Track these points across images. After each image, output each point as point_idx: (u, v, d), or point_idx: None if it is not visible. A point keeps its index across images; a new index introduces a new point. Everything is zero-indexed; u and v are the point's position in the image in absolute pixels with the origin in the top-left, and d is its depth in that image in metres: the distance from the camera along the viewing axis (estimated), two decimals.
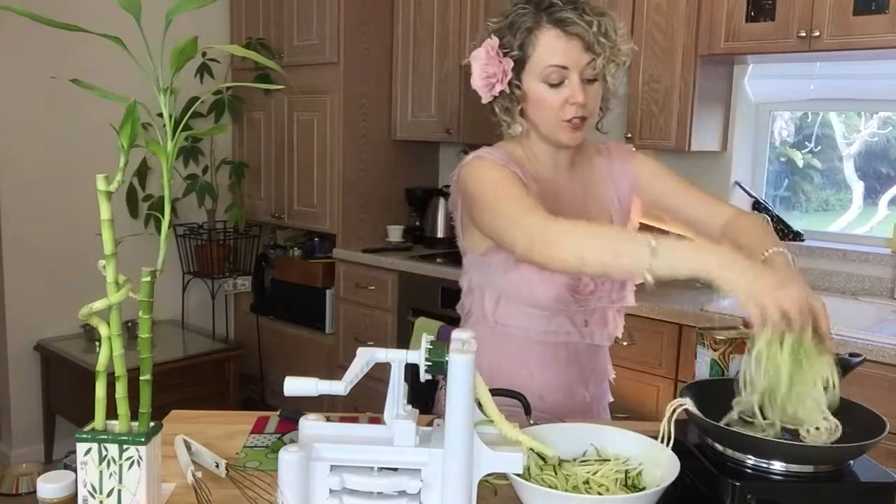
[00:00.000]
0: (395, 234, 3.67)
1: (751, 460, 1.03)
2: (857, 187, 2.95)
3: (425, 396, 1.60)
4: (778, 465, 1.02)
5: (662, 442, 1.07)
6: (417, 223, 3.74)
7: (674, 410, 1.10)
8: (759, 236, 1.29)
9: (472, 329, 1.04)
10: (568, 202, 1.45)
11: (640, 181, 1.48)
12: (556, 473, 1.04)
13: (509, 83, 1.36)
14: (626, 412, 2.21)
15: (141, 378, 0.96)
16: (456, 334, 0.98)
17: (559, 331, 1.43)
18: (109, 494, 0.94)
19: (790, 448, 1.04)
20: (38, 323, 3.41)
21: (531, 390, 1.40)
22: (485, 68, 1.35)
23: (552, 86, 1.32)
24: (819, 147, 3.00)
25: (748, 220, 1.39)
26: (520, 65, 1.34)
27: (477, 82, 1.37)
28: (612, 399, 1.60)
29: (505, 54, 1.34)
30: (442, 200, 3.62)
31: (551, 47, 1.31)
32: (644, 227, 1.54)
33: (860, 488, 1.03)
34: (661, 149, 2.83)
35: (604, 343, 1.50)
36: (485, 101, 1.40)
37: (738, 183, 2.97)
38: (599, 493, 1.01)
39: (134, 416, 0.96)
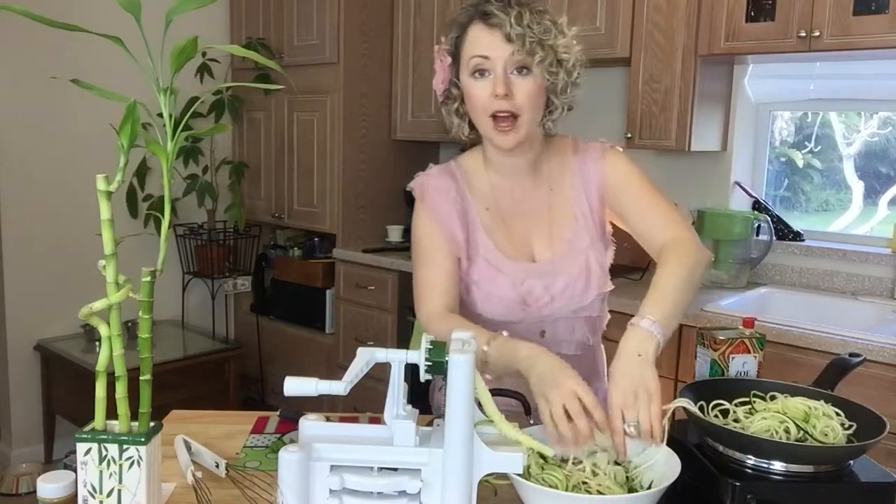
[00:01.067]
0: (395, 234, 3.67)
1: (751, 460, 1.03)
2: (857, 187, 2.94)
3: (424, 396, 1.60)
4: (778, 465, 1.02)
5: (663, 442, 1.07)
6: None
7: (673, 411, 1.10)
8: (656, 292, 1.28)
9: None
10: (528, 207, 1.44)
11: (607, 181, 1.43)
12: (558, 473, 1.04)
13: (449, 82, 1.39)
14: None
15: (141, 378, 0.96)
16: (456, 334, 0.98)
17: None
18: (109, 494, 0.94)
19: (790, 448, 1.04)
20: (38, 323, 3.41)
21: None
22: (436, 70, 1.40)
23: (478, 78, 1.33)
24: (819, 147, 3.00)
25: (673, 254, 1.33)
26: (455, 62, 1.37)
27: (433, 85, 1.43)
28: None
29: (447, 53, 1.38)
30: None
31: (476, 39, 1.33)
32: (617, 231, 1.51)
33: (860, 488, 1.03)
34: (661, 149, 2.83)
35: (571, 353, 1.44)
36: (440, 103, 1.45)
37: (738, 183, 2.97)
38: (600, 493, 1.01)
39: (134, 416, 0.96)
